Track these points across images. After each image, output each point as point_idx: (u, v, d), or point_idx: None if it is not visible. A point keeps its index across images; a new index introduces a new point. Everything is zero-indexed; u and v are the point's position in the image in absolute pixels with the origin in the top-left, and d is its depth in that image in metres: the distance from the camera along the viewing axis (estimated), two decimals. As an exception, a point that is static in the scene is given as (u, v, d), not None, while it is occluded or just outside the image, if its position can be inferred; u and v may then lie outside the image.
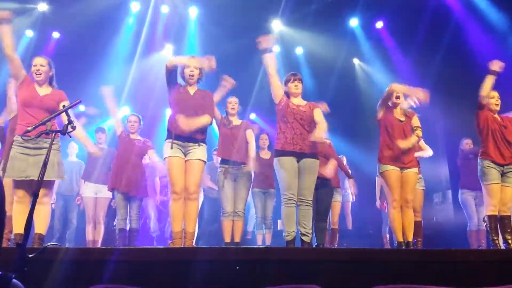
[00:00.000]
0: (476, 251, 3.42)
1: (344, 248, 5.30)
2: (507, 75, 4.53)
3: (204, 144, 3.95)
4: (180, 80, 4.13)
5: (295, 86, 4.14)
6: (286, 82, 4.22)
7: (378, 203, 6.79)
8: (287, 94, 4.20)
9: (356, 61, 9.56)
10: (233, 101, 5.03)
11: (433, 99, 4.47)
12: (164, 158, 3.90)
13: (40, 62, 3.76)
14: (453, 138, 6.81)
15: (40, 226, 3.55)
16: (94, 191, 5.69)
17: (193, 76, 4.01)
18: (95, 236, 5.61)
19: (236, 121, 4.98)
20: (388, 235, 6.77)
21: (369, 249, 3.41)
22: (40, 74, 3.72)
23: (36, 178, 3.49)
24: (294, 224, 3.90)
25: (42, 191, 3.57)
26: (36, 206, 3.46)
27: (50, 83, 3.84)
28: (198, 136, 3.90)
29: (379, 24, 8.67)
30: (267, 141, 5.83)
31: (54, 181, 3.62)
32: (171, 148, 3.83)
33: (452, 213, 7.89)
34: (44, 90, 3.75)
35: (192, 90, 4.04)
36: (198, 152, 3.88)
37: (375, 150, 4.46)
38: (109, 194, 5.56)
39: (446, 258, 3.05)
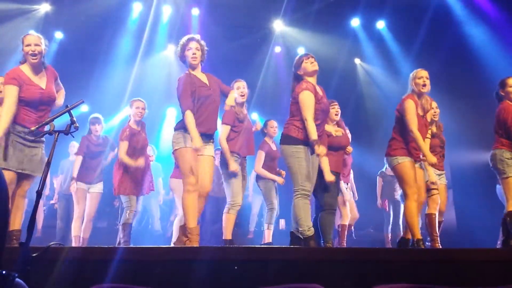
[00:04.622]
0: (479, 250, 3.41)
1: (345, 247, 5.30)
2: (509, 73, 4.51)
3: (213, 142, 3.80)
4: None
5: (312, 63, 3.77)
6: (299, 64, 3.80)
7: (379, 202, 6.79)
8: (300, 77, 3.80)
9: (357, 61, 9.57)
10: (241, 85, 4.42)
11: (434, 99, 4.46)
12: (177, 148, 3.52)
13: (34, 41, 3.29)
14: (454, 138, 6.80)
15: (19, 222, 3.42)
16: (87, 186, 5.39)
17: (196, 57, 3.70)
18: (83, 233, 5.25)
19: (244, 110, 4.50)
20: (390, 235, 6.75)
21: (370, 248, 3.42)
22: (36, 55, 3.29)
23: (28, 173, 3.39)
24: (310, 218, 3.70)
25: (26, 185, 3.45)
26: (18, 199, 3.40)
27: (43, 63, 3.43)
28: (211, 133, 3.69)
29: (381, 24, 8.69)
30: (277, 129, 5.15)
31: (35, 176, 3.49)
32: (191, 140, 3.44)
33: (453, 213, 7.90)
34: (42, 80, 3.40)
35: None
36: (211, 148, 3.72)
37: (376, 150, 4.44)
38: (100, 189, 5.38)
39: (448, 258, 3.05)
